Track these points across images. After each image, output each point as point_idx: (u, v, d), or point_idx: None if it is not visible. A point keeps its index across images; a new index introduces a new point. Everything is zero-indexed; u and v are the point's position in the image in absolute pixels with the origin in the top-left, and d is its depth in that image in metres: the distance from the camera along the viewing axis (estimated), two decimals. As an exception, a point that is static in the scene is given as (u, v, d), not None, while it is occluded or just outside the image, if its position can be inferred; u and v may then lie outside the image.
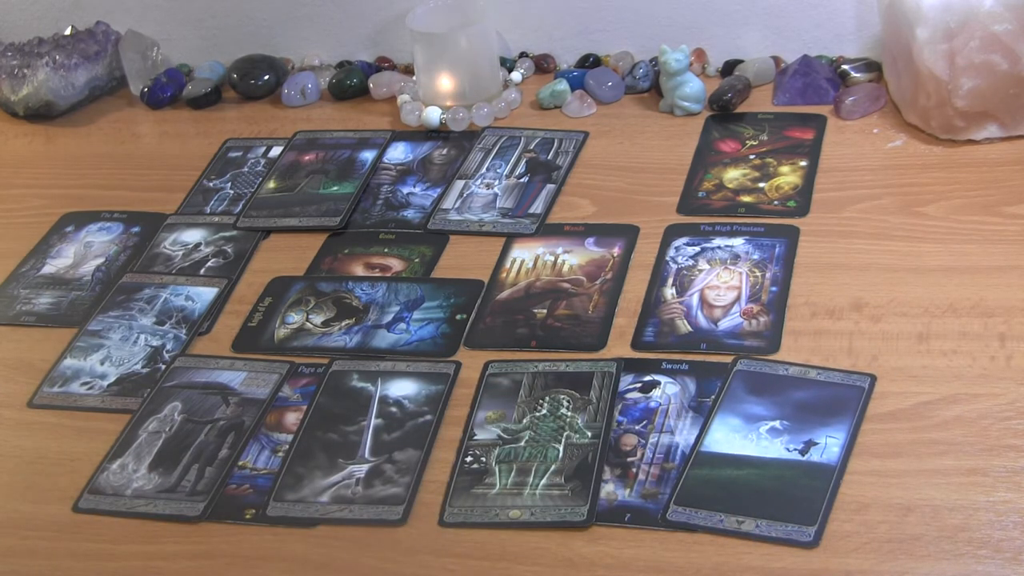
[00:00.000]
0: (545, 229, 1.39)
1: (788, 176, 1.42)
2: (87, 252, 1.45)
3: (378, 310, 1.31)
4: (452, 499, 1.09)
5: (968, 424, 1.09)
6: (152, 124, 1.69)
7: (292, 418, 1.19)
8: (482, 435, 1.15)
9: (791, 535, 1.02)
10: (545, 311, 1.28)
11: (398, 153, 1.55)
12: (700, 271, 1.30)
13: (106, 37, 1.75)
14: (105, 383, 1.27)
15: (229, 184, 1.53)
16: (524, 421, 1.16)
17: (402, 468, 1.13)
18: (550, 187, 1.45)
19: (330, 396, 1.21)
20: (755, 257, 1.30)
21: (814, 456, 1.08)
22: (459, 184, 1.48)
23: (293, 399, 1.22)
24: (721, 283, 1.28)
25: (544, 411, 1.16)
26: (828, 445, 1.08)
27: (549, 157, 1.50)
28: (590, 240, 1.37)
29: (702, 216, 1.38)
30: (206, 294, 1.36)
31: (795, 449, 1.09)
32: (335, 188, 1.49)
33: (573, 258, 1.34)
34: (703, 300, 1.26)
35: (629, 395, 1.16)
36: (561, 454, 1.12)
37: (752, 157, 1.46)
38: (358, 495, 1.11)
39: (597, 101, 1.60)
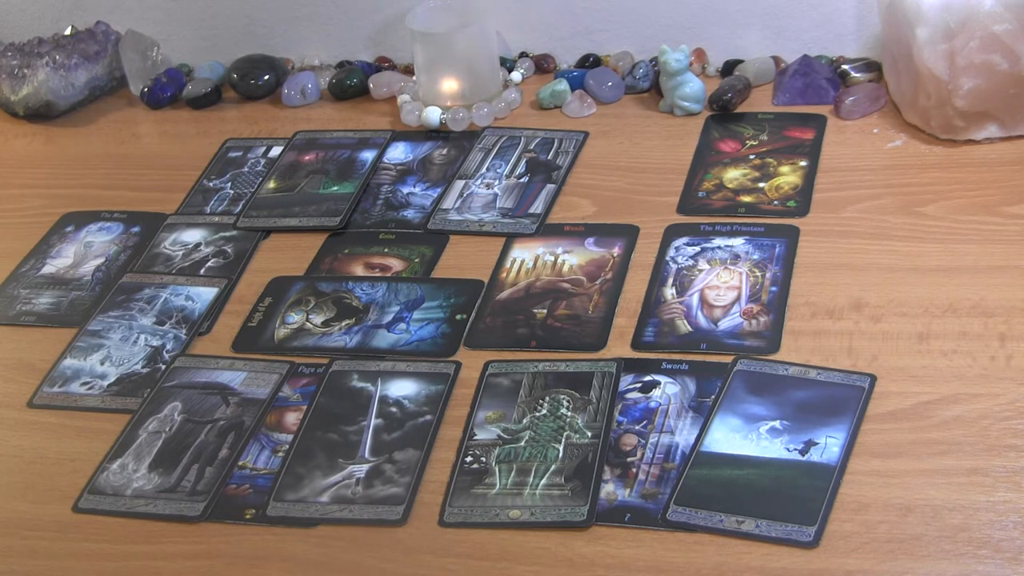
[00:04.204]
0: (545, 229, 1.39)
1: (788, 176, 1.42)
2: (87, 252, 1.45)
3: (378, 310, 1.31)
4: (452, 499, 1.09)
5: (968, 424, 1.09)
6: (152, 124, 1.69)
7: (292, 418, 1.19)
8: (482, 435, 1.15)
9: (791, 535, 1.02)
10: (545, 311, 1.28)
11: (398, 153, 1.55)
12: (700, 271, 1.30)
13: (106, 37, 1.75)
14: (105, 383, 1.27)
15: (229, 184, 1.53)
16: (524, 421, 1.15)
17: (402, 468, 1.12)
18: (550, 187, 1.45)
19: (330, 396, 1.21)
20: (755, 257, 1.30)
21: (814, 456, 1.08)
22: (459, 184, 1.47)
23: (293, 399, 1.22)
24: (721, 283, 1.28)
25: (544, 411, 1.16)
26: (828, 445, 1.08)
27: (549, 157, 1.50)
28: (590, 240, 1.36)
29: (702, 216, 1.38)
30: (206, 294, 1.36)
31: (795, 449, 1.09)
32: (335, 188, 1.49)
33: (573, 258, 1.34)
34: (703, 300, 1.26)
35: (629, 395, 1.16)
36: (561, 454, 1.11)
37: (752, 157, 1.46)
38: (358, 495, 1.11)
39: (597, 101, 1.60)
